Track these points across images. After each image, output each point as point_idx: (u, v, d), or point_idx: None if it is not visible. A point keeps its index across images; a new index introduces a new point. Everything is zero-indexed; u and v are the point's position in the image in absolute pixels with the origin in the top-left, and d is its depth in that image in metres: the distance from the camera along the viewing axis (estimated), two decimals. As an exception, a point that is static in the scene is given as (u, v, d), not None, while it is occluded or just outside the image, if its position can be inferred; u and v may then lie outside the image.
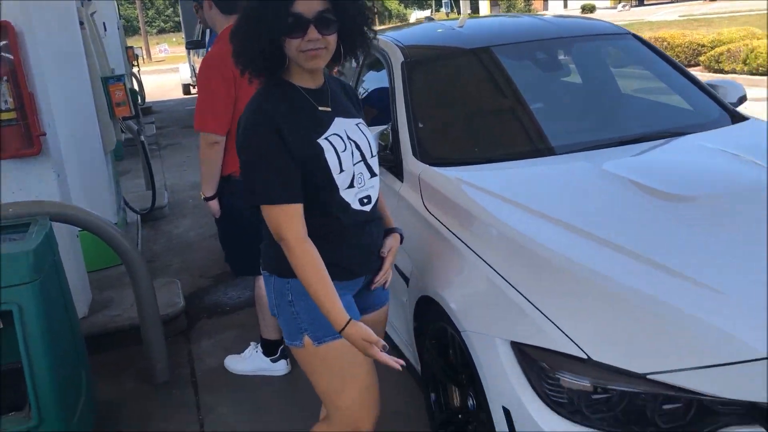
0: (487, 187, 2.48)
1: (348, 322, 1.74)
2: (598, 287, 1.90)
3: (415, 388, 2.87)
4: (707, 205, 2.24)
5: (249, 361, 3.26)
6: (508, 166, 2.68)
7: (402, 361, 1.74)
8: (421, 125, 2.87)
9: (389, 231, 2.06)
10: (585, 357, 1.72)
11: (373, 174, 1.91)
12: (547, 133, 2.91)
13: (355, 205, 1.85)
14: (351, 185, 1.83)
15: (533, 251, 2.07)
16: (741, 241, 2.04)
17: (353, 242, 1.88)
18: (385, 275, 2.01)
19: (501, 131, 3.03)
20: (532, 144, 2.91)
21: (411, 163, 2.76)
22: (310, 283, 1.75)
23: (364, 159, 1.88)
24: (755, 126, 2.98)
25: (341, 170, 1.80)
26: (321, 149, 1.77)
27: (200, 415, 2.97)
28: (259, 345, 3.26)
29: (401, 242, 2.08)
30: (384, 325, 2.18)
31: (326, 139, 1.79)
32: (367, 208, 1.89)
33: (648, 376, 1.67)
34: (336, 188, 1.81)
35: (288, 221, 1.74)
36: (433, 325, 2.32)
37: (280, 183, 1.74)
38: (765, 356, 1.66)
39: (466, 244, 2.21)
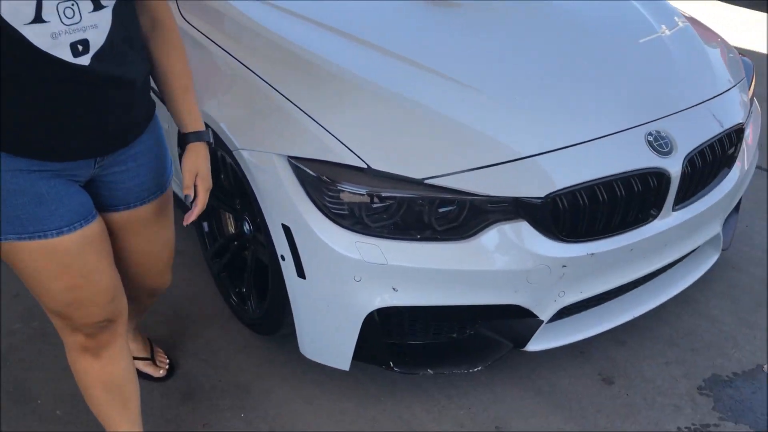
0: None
1: None
2: (374, 97, 1.83)
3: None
4: (477, 12, 2.25)
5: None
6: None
7: None
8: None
9: (189, 138, 1.48)
10: (365, 167, 1.67)
11: (98, 6, 1.21)
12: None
13: (59, 53, 1.17)
14: (39, 19, 1.14)
15: (308, 61, 1.92)
16: (512, 47, 2.09)
17: (53, 108, 1.22)
18: (199, 209, 1.48)
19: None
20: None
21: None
22: None
23: None
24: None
25: None
26: None
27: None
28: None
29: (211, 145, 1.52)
30: (157, 228, 1.57)
31: None
32: (85, 60, 1.21)
33: (425, 181, 1.68)
34: None
35: None
36: (201, 149, 2.12)
37: None
38: (525, 156, 1.75)
39: (233, 57, 1.99)
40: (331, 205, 1.69)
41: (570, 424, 1.91)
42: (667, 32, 2.31)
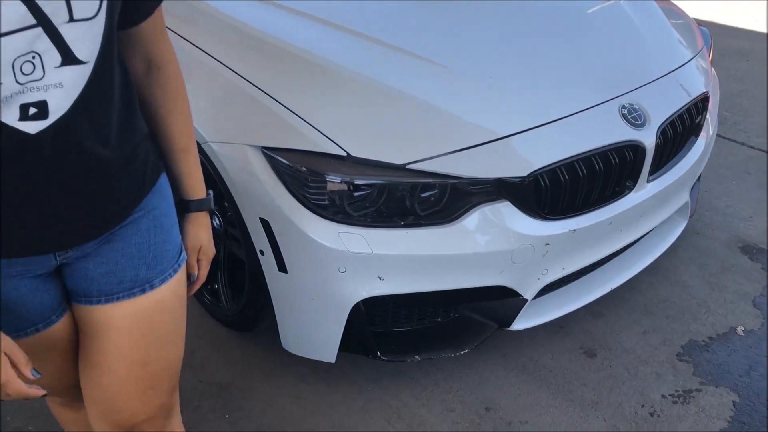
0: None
1: None
2: (350, 82, 1.78)
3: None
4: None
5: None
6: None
7: (43, 391, 0.94)
8: None
9: (190, 206, 1.20)
10: (345, 154, 1.62)
11: (69, 59, 0.86)
12: None
13: (5, 118, 0.84)
14: None
15: (279, 47, 1.85)
16: (484, 30, 2.05)
17: None
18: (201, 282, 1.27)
19: None
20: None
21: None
22: None
23: (45, 25, 0.82)
24: None
25: None
26: None
27: None
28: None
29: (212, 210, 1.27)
30: (146, 334, 1.12)
31: None
32: (33, 126, 0.86)
33: (407, 166, 1.64)
34: None
35: None
36: (164, 143, 2.03)
37: None
38: (504, 136, 1.73)
39: (195, 46, 1.89)
40: (311, 196, 1.63)
41: (558, 399, 1.93)
42: (630, 4, 2.32)
